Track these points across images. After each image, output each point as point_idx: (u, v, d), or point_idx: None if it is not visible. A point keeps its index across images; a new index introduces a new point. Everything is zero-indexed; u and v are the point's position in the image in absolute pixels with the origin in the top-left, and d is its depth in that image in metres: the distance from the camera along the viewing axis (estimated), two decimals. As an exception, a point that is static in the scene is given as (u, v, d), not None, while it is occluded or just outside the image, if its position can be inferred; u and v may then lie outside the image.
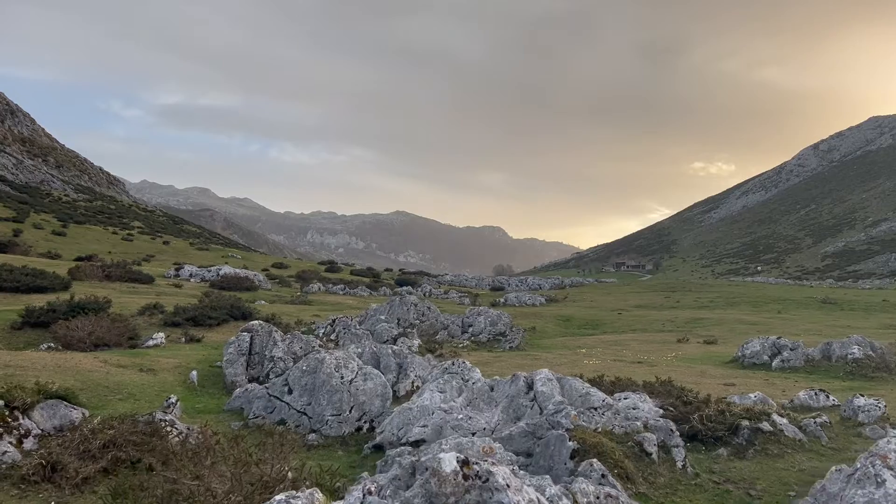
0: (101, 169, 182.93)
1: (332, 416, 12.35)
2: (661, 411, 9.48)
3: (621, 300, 61.05)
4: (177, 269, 56.80)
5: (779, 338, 20.39)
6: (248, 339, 17.11)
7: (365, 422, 12.58)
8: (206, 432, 8.93)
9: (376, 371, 13.11)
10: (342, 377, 12.72)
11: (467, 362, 11.76)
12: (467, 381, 11.23)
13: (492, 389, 10.83)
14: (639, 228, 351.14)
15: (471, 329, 26.73)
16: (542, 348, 25.02)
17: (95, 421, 9.96)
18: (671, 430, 8.47)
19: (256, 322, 18.03)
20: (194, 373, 16.66)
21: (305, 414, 12.65)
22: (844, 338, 20.65)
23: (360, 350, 15.69)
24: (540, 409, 9.77)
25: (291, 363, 17.43)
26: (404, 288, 62.08)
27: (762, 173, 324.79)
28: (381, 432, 10.57)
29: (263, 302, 38.73)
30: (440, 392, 10.78)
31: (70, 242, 78.93)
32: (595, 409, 9.58)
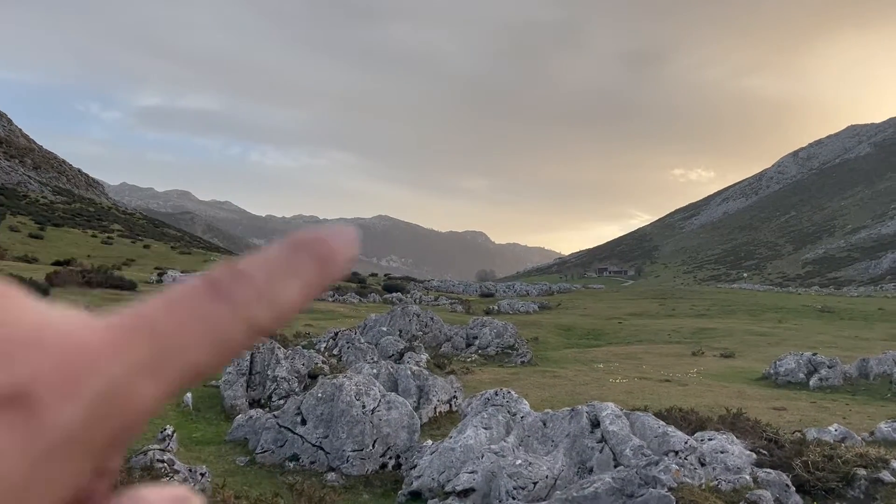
0: (79, 171, 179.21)
1: (354, 451, 10.78)
2: (754, 456, 8.06)
3: (615, 308, 59.85)
4: (160, 275, 54.70)
5: (814, 354, 19.14)
6: (248, 357, 15.47)
7: (390, 458, 11.03)
8: (229, 500, 7.30)
9: (401, 399, 11.57)
10: (364, 406, 11.15)
11: (513, 392, 10.26)
12: (514, 414, 9.73)
13: (545, 425, 9.34)
14: (620, 234, 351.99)
15: (477, 341, 25.23)
16: (554, 363, 23.59)
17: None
18: (786, 484, 7.04)
19: (257, 338, 16.39)
20: (189, 395, 14.98)
21: (322, 448, 11.07)
22: (880, 353, 19.45)
23: (375, 371, 14.13)
24: (613, 454, 8.29)
25: (296, 383, 15.84)
26: (395, 294, 60.41)
27: (742, 180, 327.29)
28: (419, 476, 9.02)
29: (252, 310, 36.88)
30: (485, 429, 9.26)
31: (48, 245, 76.39)
32: (676, 452, 8.11)
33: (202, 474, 9.82)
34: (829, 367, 18.25)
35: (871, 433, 10.71)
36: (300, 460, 11.09)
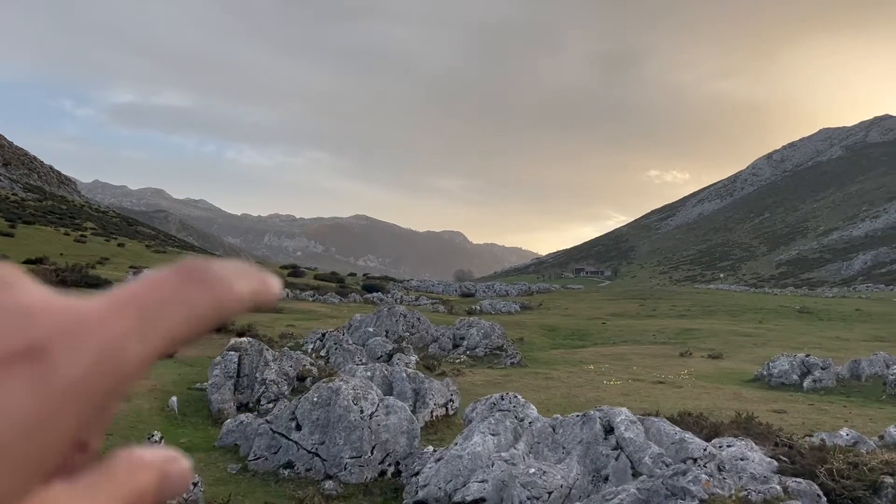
0: (51, 168, 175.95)
1: (352, 458, 10.36)
2: (775, 463, 7.78)
3: (595, 308, 59.85)
4: (135, 274, 53.66)
5: (807, 355, 19.06)
6: (235, 360, 14.95)
7: (389, 464, 10.62)
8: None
9: (400, 403, 11.16)
10: (362, 411, 10.73)
11: (519, 396, 9.91)
12: (522, 420, 9.38)
13: (554, 431, 9.00)
14: (597, 235, 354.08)
15: (464, 342, 24.86)
16: (544, 364, 23.31)
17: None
18: (818, 494, 6.77)
19: (245, 339, 15.89)
20: (174, 398, 14.44)
21: (318, 455, 10.63)
22: (871, 355, 19.44)
23: (369, 374, 13.71)
24: (630, 461, 7.97)
25: (285, 386, 15.36)
26: (375, 294, 59.88)
27: (717, 182, 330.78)
28: (425, 485, 8.63)
29: (232, 310, 36.19)
30: (493, 435, 8.90)
31: (18, 244, 74.63)
32: (694, 460, 7.81)
33: (194, 483, 9.33)
34: (823, 369, 18.17)
35: (881, 437, 10.53)
36: (295, 468, 10.65)
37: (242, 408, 14.63)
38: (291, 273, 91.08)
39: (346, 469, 10.30)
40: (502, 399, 9.82)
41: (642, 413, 9.70)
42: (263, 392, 14.79)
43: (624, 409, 8.66)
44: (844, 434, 9.88)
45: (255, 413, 13.92)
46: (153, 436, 11.34)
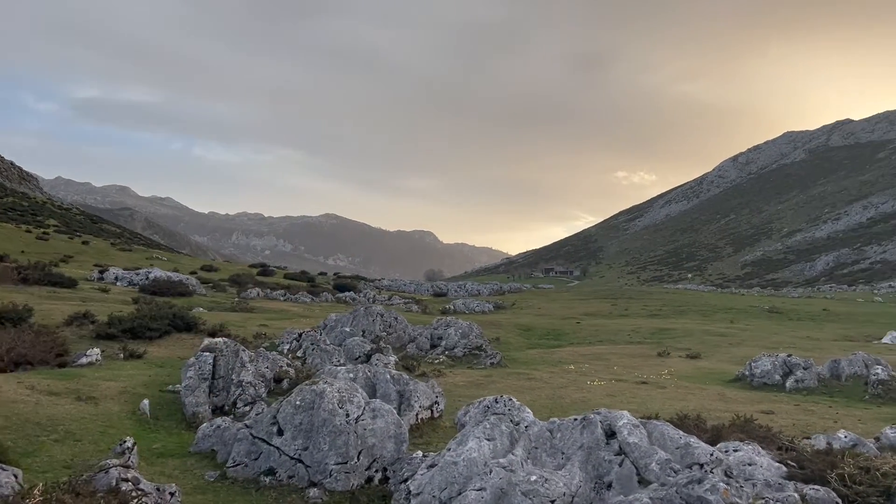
0: (12, 163, 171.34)
1: (337, 464, 9.88)
2: (784, 468, 7.50)
3: (568, 308, 59.90)
4: (101, 272, 52.21)
5: (789, 355, 19.01)
6: (210, 361, 14.33)
7: (376, 470, 10.16)
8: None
9: (387, 406, 10.69)
10: (347, 414, 10.25)
11: (514, 399, 9.52)
12: (518, 424, 8.98)
13: (552, 435, 8.63)
14: (566, 235, 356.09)
15: (442, 342, 24.43)
16: (524, 364, 23.00)
17: (37, 492, 7.17)
18: (836, 502, 6.48)
19: (220, 340, 15.26)
20: (146, 402, 13.78)
21: (301, 462, 10.12)
22: (850, 354, 19.46)
23: (352, 375, 13.21)
24: (636, 468, 7.62)
25: (262, 388, 14.79)
26: (347, 294, 59.14)
27: (684, 183, 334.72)
28: (418, 493, 8.19)
29: (202, 309, 35.36)
30: (488, 440, 8.49)
31: (-22, 241, 72.30)
32: (701, 466, 7.50)
33: (171, 493, 8.78)
34: (805, 369, 18.12)
35: (877, 439, 10.35)
36: (277, 475, 10.13)
37: (218, 411, 14.04)
38: (261, 272, 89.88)
39: (331, 476, 9.81)
40: (496, 402, 9.42)
41: (642, 416, 9.38)
42: (240, 395, 14.20)
43: (625, 413, 8.32)
44: (843, 436, 9.67)
45: (232, 416, 13.35)
46: (124, 441, 10.73)
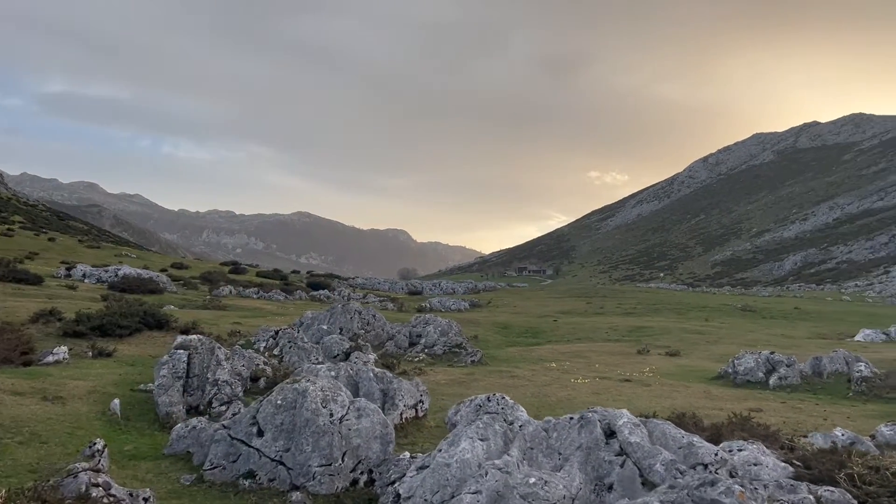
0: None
1: (321, 466, 9.42)
2: (790, 468, 7.23)
3: (543, 306, 59.85)
4: (68, 269, 50.85)
5: (772, 353, 18.93)
6: (185, 359, 13.75)
7: (362, 472, 9.73)
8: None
9: (372, 405, 10.25)
10: (331, 414, 9.79)
11: (507, 398, 9.15)
12: (512, 423, 8.61)
13: (548, 434, 8.28)
14: (539, 234, 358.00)
15: (422, 340, 24.01)
16: (504, 361, 22.69)
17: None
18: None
19: (195, 337, 14.67)
20: (116, 401, 13.16)
21: (283, 464, 9.65)
22: (831, 352, 19.46)
23: (333, 374, 12.74)
24: (639, 469, 7.29)
25: (239, 387, 14.24)
26: (322, 292, 58.41)
27: (656, 183, 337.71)
28: (409, 497, 7.78)
29: (173, 307, 34.50)
30: (482, 440, 8.10)
31: (-61, 237, 70.17)
32: (705, 466, 7.20)
33: (145, 499, 8.27)
34: (788, 366, 18.04)
35: (872, 436, 10.18)
36: (257, 477, 9.64)
37: (192, 411, 13.48)
38: (233, 270, 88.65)
39: (314, 478, 9.36)
40: (489, 400, 9.04)
41: (639, 415, 9.06)
42: (215, 394, 13.64)
43: (625, 412, 8.00)
44: (840, 434, 9.47)
45: (207, 417, 12.81)
46: (94, 443, 10.14)
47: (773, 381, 17.60)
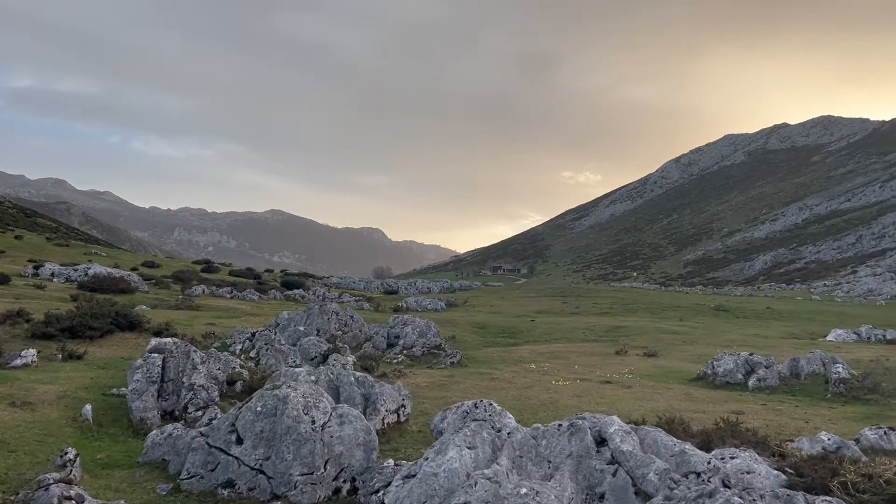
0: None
1: (302, 475, 9.16)
2: (783, 476, 7.14)
3: (520, 306, 59.92)
4: (35, 267, 49.74)
5: (751, 354, 19.01)
6: (159, 363, 13.37)
7: (344, 481, 9.48)
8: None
9: (355, 412, 10.01)
10: (313, 421, 9.54)
11: (495, 404, 8.97)
12: (500, 430, 8.44)
13: (537, 442, 8.12)
14: (513, 234, 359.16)
15: (400, 341, 23.78)
16: (484, 363, 22.54)
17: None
18: (849, 514, 6.14)
19: (170, 340, 14.30)
20: (88, 407, 12.75)
21: (263, 472, 9.37)
22: (808, 353, 19.61)
23: (314, 378, 12.46)
24: (631, 478, 7.15)
25: (216, 392, 13.90)
26: (296, 291, 57.86)
27: (629, 184, 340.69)
28: (395, 508, 7.56)
29: (145, 307, 33.87)
30: (469, 448, 7.91)
31: None
32: (698, 475, 7.09)
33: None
34: (766, 368, 18.13)
35: (857, 440, 10.18)
36: (236, 487, 9.35)
37: (167, 416, 13.12)
38: (205, 269, 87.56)
39: (295, 488, 9.09)
40: (476, 407, 8.86)
41: (628, 421, 8.94)
42: (191, 399, 13.29)
43: (615, 418, 7.86)
44: (826, 439, 9.44)
45: (183, 423, 12.48)
46: (66, 452, 9.77)
47: (751, 382, 17.67)
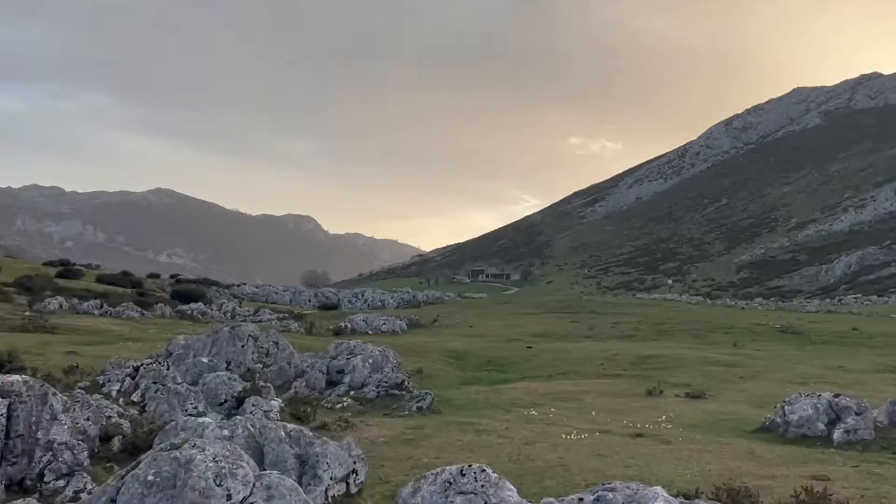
0: None
1: (214, 574, 9.07)
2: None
3: (512, 326, 60.24)
4: None
5: (836, 395, 19.31)
6: (4, 412, 13.15)
7: (275, 583, 9.41)
8: None
9: (288, 481, 9.93)
10: (229, 496, 9.44)
11: (489, 471, 8.97)
12: (496, 507, 8.44)
13: (547, 524, 8.14)
14: (500, 225, 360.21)
15: (345, 378, 23.79)
16: (464, 408, 22.61)
17: None
18: None
19: (17, 379, 14.07)
20: None
21: (157, 571, 9.26)
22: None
23: (227, 433, 12.38)
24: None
25: (84, 452, 13.75)
26: (194, 306, 57.61)
27: (661, 156, 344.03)
28: None
29: (-26, 329, 33.56)
30: (457, 536, 7.91)
31: None
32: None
33: None
34: (858, 415, 18.42)
35: None
36: (118, 591, 9.23)
37: (15, 487, 12.97)
38: (63, 273, 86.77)
39: (204, 593, 9.00)
40: (462, 475, 8.84)
41: (677, 493, 9.00)
42: (50, 462, 13.15)
43: (659, 490, 7.92)
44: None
45: (38, 496, 12.35)
46: None
47: (837, 434, 17.94)
